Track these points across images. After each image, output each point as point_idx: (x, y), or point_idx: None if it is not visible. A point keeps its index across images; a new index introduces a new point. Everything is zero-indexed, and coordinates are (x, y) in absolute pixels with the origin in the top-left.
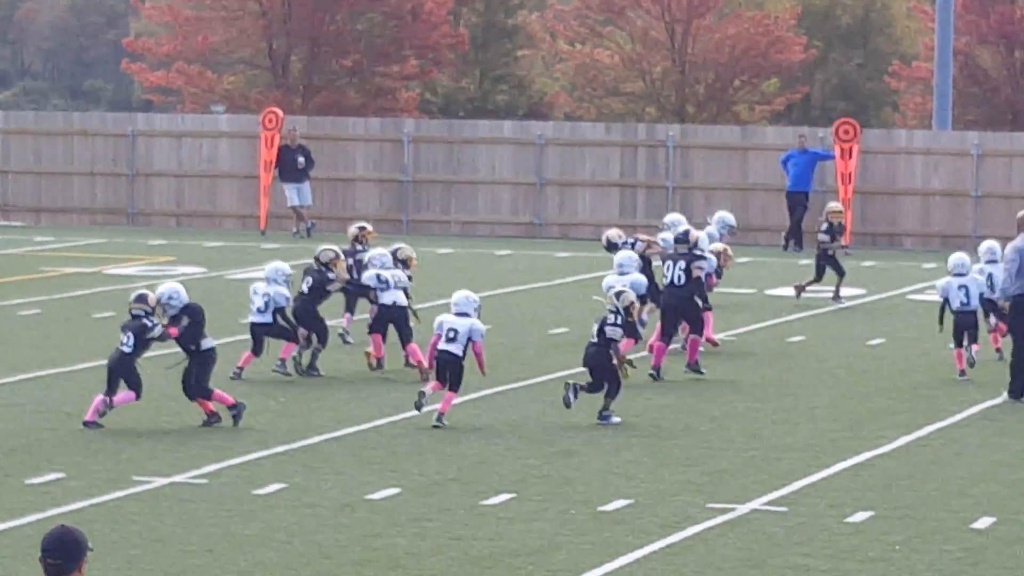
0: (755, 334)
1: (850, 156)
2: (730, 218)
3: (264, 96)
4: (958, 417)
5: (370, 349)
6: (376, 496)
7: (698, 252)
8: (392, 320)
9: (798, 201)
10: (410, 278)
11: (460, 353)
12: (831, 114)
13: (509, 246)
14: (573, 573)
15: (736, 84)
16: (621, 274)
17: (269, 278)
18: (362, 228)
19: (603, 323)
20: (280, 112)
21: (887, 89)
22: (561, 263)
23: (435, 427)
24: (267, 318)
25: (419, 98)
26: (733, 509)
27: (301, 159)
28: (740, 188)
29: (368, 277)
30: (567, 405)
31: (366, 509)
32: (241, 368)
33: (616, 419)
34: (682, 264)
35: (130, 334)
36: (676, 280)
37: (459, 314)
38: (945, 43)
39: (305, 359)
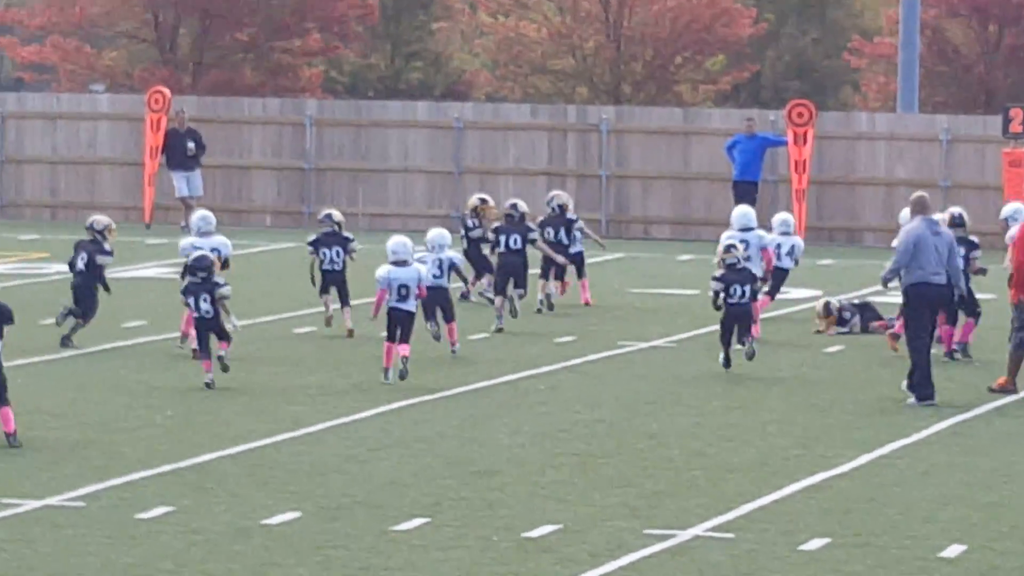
0: (697, 340)
1: (804, 142)
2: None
3: (149, 74)
4: (924, 434)
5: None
6: (273, 521)
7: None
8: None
9: (746, 192)
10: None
11: (414, 309)
12: (783, 95)
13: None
14: None
15: (678, 61)
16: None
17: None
18: (483, 200)
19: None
20: (167, 92)
21: (846, 67)
22: None
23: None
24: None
25: (323, 76)
26: (673, 535)
27: (191, 144)
28: (681, 177)
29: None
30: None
31: (262, 535)
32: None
33: None
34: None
35: None
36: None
37: (398, 263)
38: (911, 16)
39: (64, 328)
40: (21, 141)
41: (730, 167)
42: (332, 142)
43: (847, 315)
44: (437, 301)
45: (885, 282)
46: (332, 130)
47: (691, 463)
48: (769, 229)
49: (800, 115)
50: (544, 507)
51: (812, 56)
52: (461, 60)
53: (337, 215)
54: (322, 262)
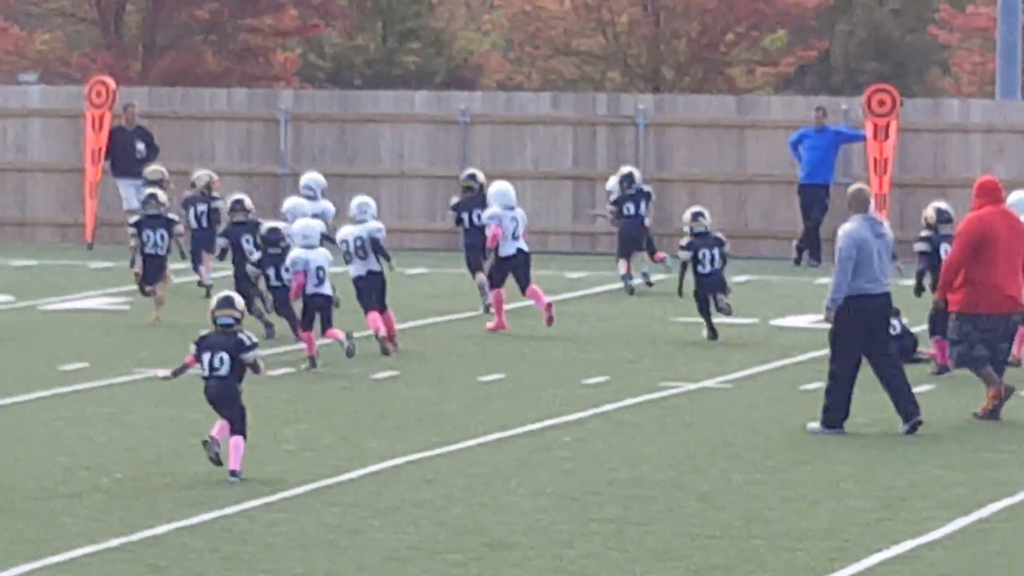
0: (756, 380)
1: (886, 136)
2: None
3: (90, 60)
4: None
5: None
6: None
7: None
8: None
9: (815, 197)
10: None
11: (332, 292)
12: (858, 79)
13: (424, 262)
14: None
15: (729, 39)
16: None
17: None
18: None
19: None
20: (111, 82)
21: (933, 44)
22: None
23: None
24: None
25: (300, 62)
26: None
27: (140, 146)
28: (735, 181)
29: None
30: None
31: None
32: None
33: None
34: None
35: None
36: None
37: (308, 247)
38: None
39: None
40: None
41: (795, 167)
42: (312, 141)
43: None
44: (374, 287)
45: (828, 310)
46: (312, 127)
47: (750, 530)
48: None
49: (881, 103)
50: None
51: (892, 31)
52: (467, 40)
53: (203, 178)
54: (144, 245)
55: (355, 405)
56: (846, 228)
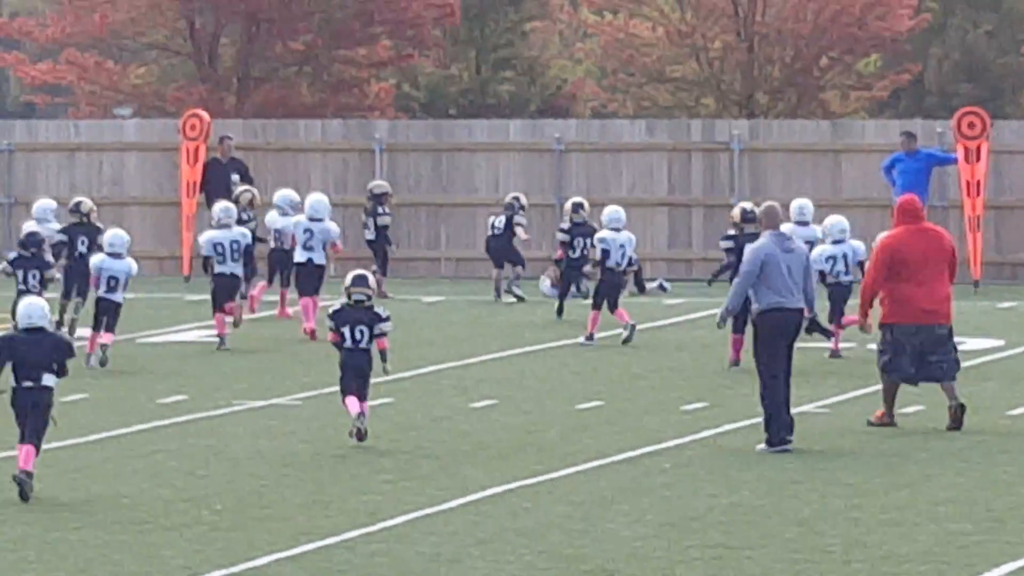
0: (854, 404)
1: (977, 158)
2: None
3: (185, 93)
4: None
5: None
6: None
7: None
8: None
9: None
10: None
11: (121, 300)
12: (953, 102)
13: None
14: None
15: (823, 63)
16: None
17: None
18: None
19: None
20: (205, 115)
21: None
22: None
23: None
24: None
25: (395, 92)
26: None
27: (235, 177)
28: (831, 204)
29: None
30: None
31: None
32: None
33: None
34: None
35: None
36: None
37: (110, 255)
38: None
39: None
40: (32, 178)
41: (889, 191)
42: (407, 171)
43: None
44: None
45: (722, 320)
46: (407, 157)
47: (850, 554)
48: None
49: (971, 126)
50: None
51: (985, 53)
52: (561, 68)
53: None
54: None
55: (453, 434)
56: (754, 244)
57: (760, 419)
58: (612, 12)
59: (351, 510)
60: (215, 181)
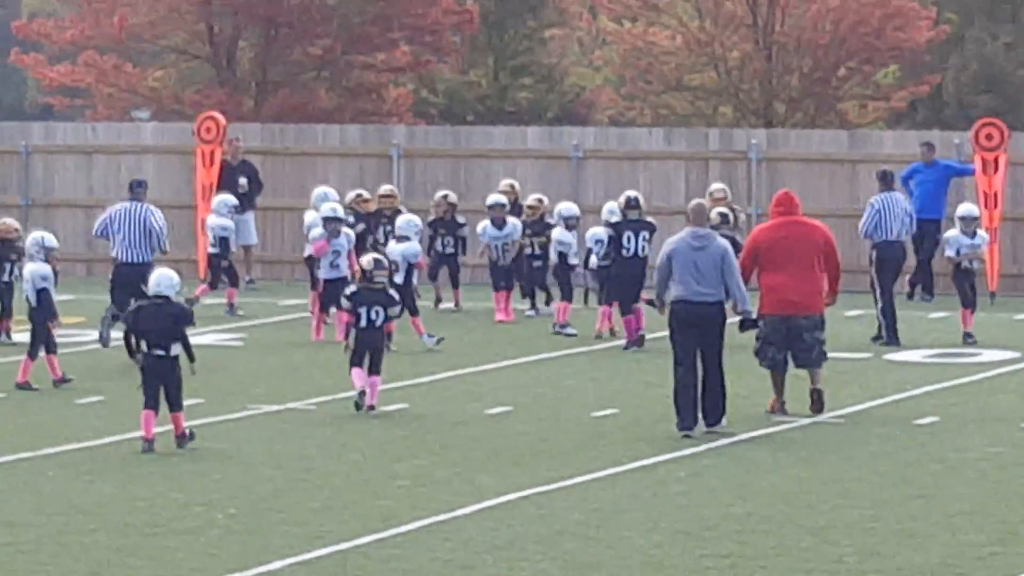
0: (870, 414)
1: (995, 169)
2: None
3: (204, 97)
4: None
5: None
6: None
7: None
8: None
9: (927, 232)
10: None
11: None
12: (971, 113)
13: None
14: None
15: (841, 73)
16: None
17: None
18: (359, 195)
19: None
20: (221, 118)
21: None
22: None
23: None
24: None
25: (413, 97)
26: None
27: (243, 180)
28: (848, 215)
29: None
30: None
31: None
32: None
33: None
34: None
35: None
36: None
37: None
38: None
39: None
40: (50, 181)
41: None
42: (424, 177)
43: None
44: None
45: (652, 304)
46: (424, 162)
47: (865, 565)
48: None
49: (989, 137)
50: None
51: (1004, 65)
52: (579, 75)
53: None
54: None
55: (468, 440)
56: (668, 239)
57: (775, 429)
58: (631, 20)
59: (365, 515)
60: (223, 184)
